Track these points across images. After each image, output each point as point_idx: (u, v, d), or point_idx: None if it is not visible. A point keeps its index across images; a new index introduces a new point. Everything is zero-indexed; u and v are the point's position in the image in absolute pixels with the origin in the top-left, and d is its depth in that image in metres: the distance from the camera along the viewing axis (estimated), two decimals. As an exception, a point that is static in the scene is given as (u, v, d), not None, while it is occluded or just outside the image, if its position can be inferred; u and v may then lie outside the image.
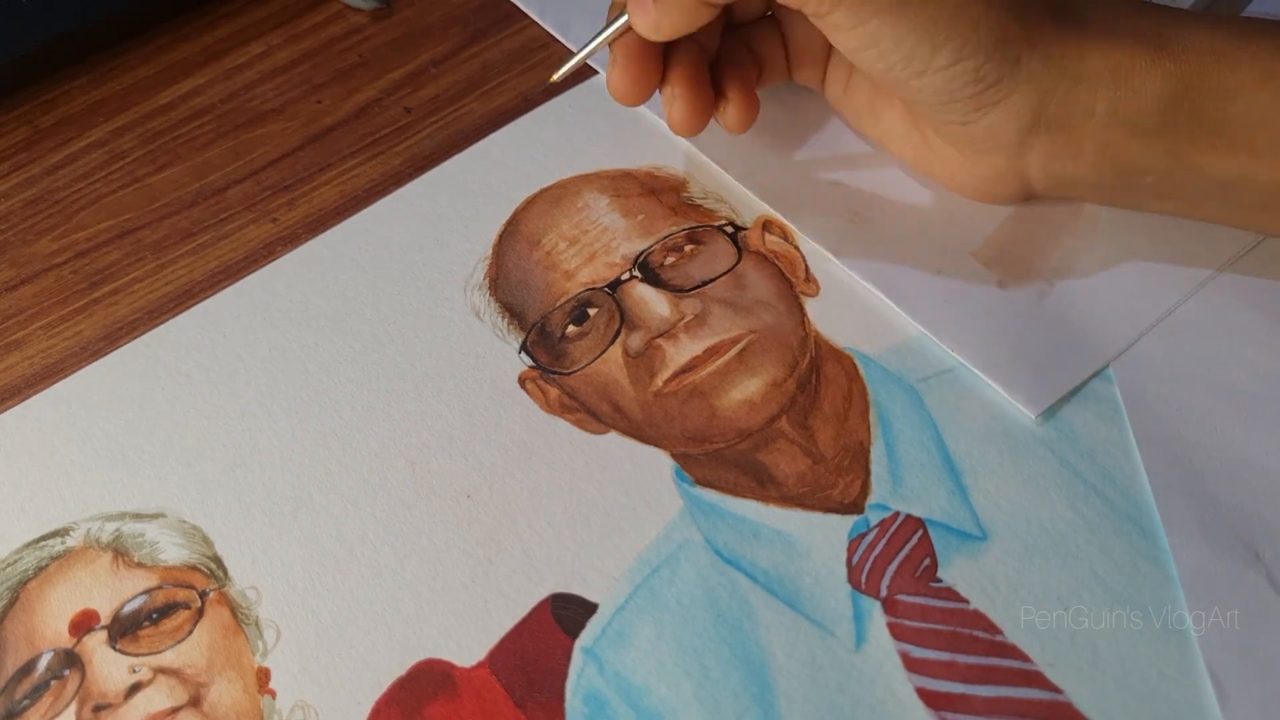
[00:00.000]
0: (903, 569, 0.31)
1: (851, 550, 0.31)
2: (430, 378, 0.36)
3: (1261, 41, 0.30)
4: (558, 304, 0.37)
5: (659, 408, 0.34)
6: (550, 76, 0.37)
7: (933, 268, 0.36)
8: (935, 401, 0.34)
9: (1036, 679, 0.29)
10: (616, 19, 0.35)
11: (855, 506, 0.32)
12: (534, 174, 0.40)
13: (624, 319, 0.36)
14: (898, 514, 0.32)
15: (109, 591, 0.32)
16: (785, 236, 0.38)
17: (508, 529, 0.32)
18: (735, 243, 0.38)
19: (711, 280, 0.37)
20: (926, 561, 0.31)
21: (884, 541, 0.31)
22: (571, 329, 0.36)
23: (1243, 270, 0.35)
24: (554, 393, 0.35)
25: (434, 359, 0.36)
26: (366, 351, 0.37)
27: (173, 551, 0.33)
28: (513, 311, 0.37)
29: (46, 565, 0.32)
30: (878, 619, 0.30)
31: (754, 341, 0.35)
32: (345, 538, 0.33)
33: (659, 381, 0.35)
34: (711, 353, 0.35)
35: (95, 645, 0.31)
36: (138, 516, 0.33)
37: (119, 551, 0.33)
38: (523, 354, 0.36)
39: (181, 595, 0.32)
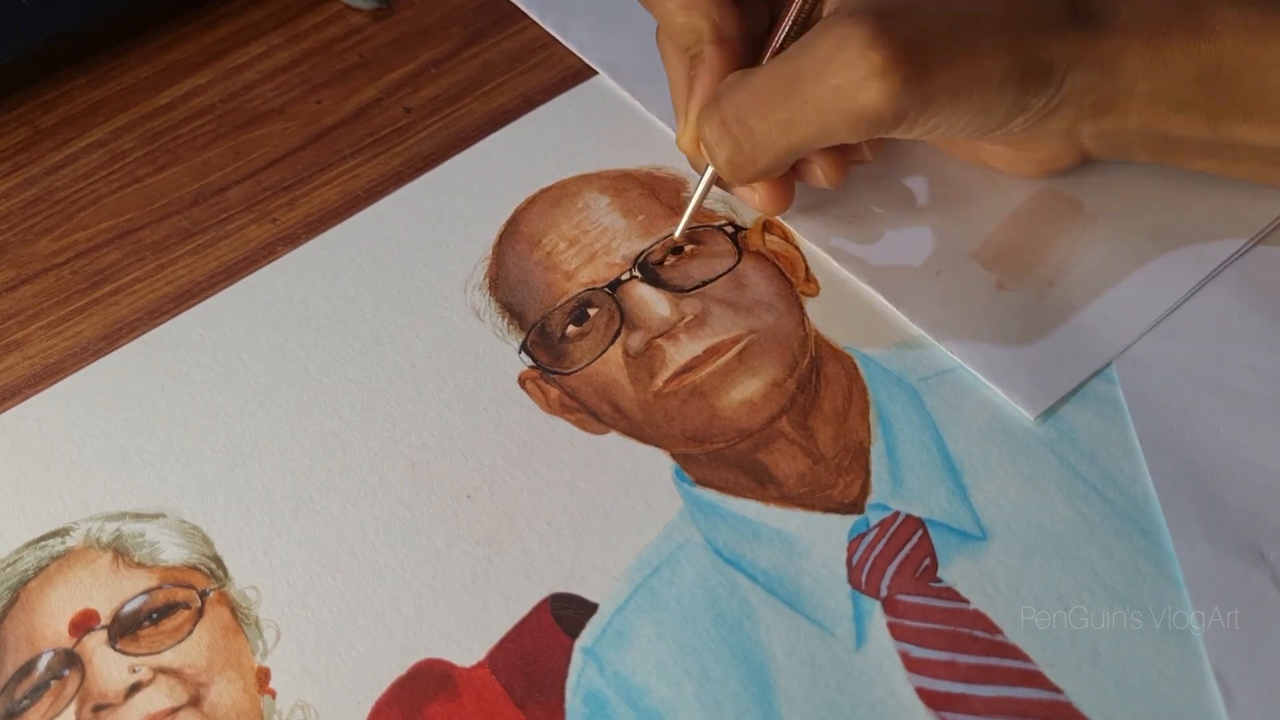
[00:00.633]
0: (903, 569, 0.31)
1: (851, 550, 0.31)
2: (430, 378, 0.36)
3: None
4: (558, 304, 0.37)
5: (659, 408, 0.34)
6: (673, 233, 0.38)
7: (932, 269, 0.36)
8: (935, 401, 0.34)
9: (1036, 679, 0.29)
10: (706, 169, 0.36)
11: (855, 506, 0.32)
12: (534, 174, 0.40)
13: (624, 319, 0.36)
14: (898, 514, 0.32)
15: (109, 591, 0.32)
16: (785, 236, 0.38)
17: (508, 529, 0.32)
18: (735, 243, 0.38)
19: (711, 280, 0.37)
20: (926, 561, 0.31)
21: (884, 541, 0.31)
22: (571, 329, 0.36)
23: (1244, 269, 0.35)
24: (554, 393, 0.35)
25: (434, 359, 0.36)
26: (366, 351, 0.37)
27: (173, 551, 0.33)
28: (513, 311, 0.37)
29: (46, 565, 0.32)
30: (878, 619, 0.30)
31: (754, 341, 0.35)
32: (345, 538, 0.33)
33: (659, 381, 0.35)
34: (711, 353, 0.35)
35: (95, 645, 0.31)
36: (138, 516, 0.33)
37: (119, 551, 0.33)
38: (523, 354, 0.36)
39: (181, 595, 0.32)
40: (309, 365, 0.36)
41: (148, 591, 0.32)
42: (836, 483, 0.32)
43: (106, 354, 0.37)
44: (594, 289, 0.37)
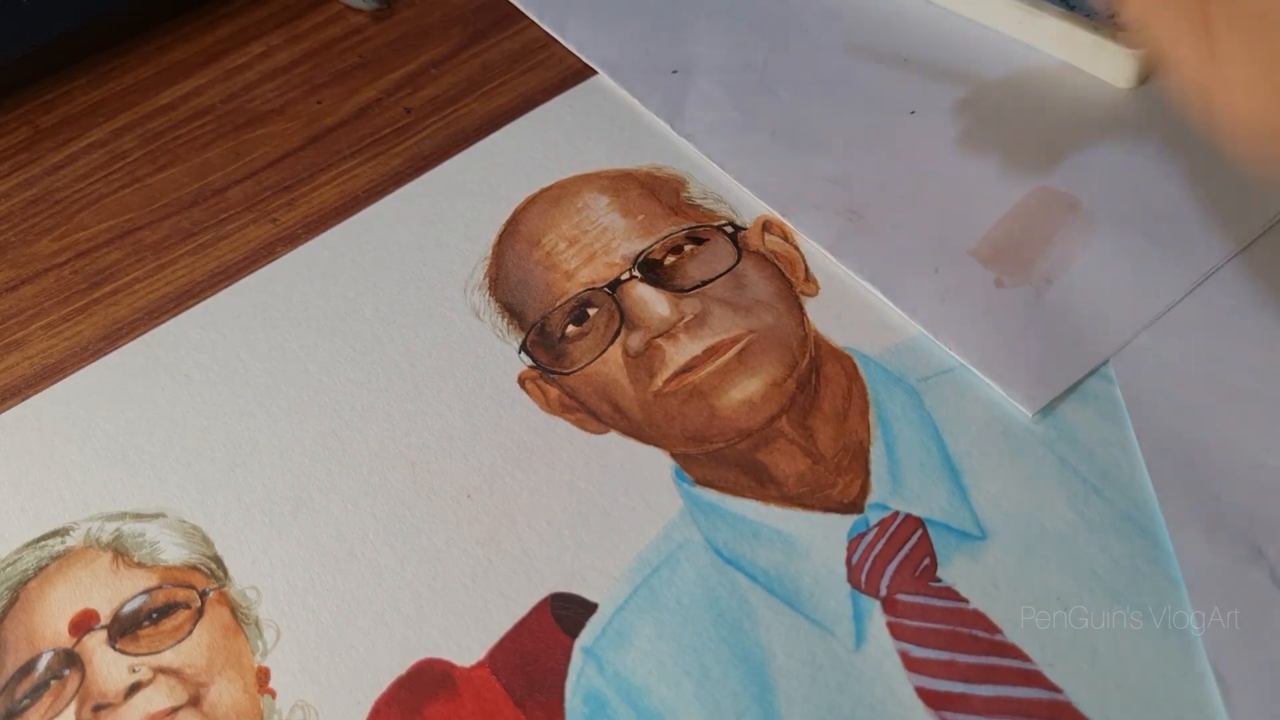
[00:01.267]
0: (902, 568, 0.31)
1: (851, 550, 0.31)
2: (430, 378, 0.36)
3: None
4: (558, 304, 0.37)
5: (659, 407, 0.34)
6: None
7: (930, 266, 0.36)
8: (935, 401, 0.34)
9: (1036, 678, 0.29)
10: None
11: (855, 506, 0.32)
12: (534, 174, 0.40)
13: (624, 319, 0.36)
14: (897, 513, 0.32)
15: (109, 591, 0.32)
16: (785, 236, 0.38)
17: (508, 529, 0.32)
18: (735, 243, 0.38)
19: (711, 280, 0.37)
20: (926, 561, 0.31)
21: (884, 541, 0.31)
22: (571, 329, 0.36)
23: (1242, 267, 0.35)
24: (554, 393, 0.35)
25: (434, 359, 0.36)
26: (366, 351, 0.37)
27: (173, 551, 0.33)
28: (513, 311, 0.37)
29: (46, 565, 0.32)
30: (877, 618, 0.30)
31: (754, 341, 0.35)
32: (345, 538, 0.33)
33: (659, 381, 0.35)
34: (711, 353, 0.35)
35: (95, 645, 0.31)
36: (138, 516, 0.33)
37: (119, 551, 0.33)
38: (523, 354, 0.36)
39: (181, 595, 0.32)
40: (309, 365, 0.36)
41: (148, 591, 0.32)
42: (836, 482, 0.32)
43: (106, 354, 0.37)
44: (594, 289, 0.37)
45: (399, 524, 0.33)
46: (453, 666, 0.30)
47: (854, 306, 0.36)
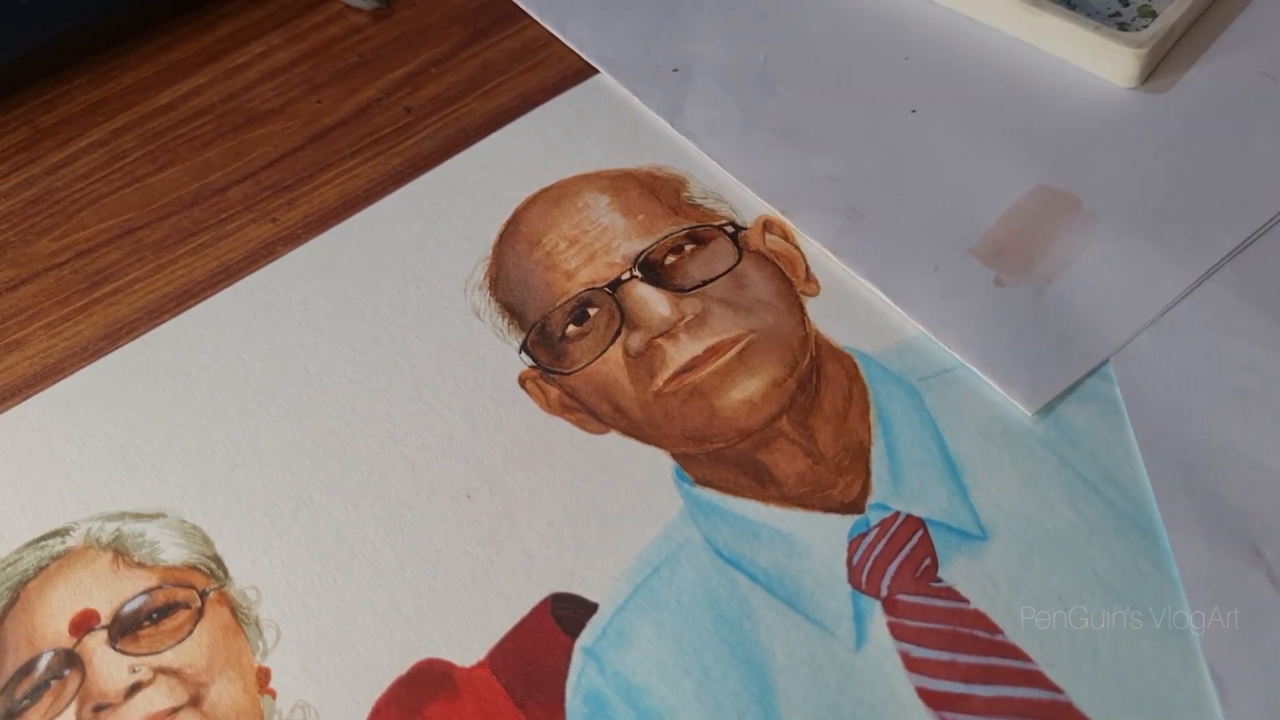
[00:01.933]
0: (903, 569, 0.31)
1: (852, 550, 0.31)
2: (430, 378, 0.36)
3: None
4: (558, 304, 0.37)
5: (659, 407, 0.34)
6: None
7: (931, 264, 0.36)
8: (936, 401, 0.34)
9: (1037, 679, 0.29)
10: None
11: (855, 506, 0.32)
12: (534, 174, 0.40)
13: (624, 319, 0.36)
14: (898, 514, 0.32)
15: (109, 591, 0.32)
16: (785, 236, 0.38)
17: (508, 529, 0.32)
18: (735, 242, 0.38)
19: (712, 280, 0.37)
20: (927, 561, 0.31)
21: (884, 541, 0.31)
22: (572, 329, 0.36)
23: (1242, 266, 0.35)
24: (554, 392, 0.35)
25: (434, 359, 0.36)
26: (366, 351, 0.37)
27: (173, 551, 0.33)
28: (513, 311, 0.37)
29: (46, 565, 0.32)
30: (878, 619, 0.30)
31: (754, 341, 0.35)
32: (345, 538, 0.33)
33: (659, 381, 0.35)
34: (712, 352, 0.35)
35: (95, 645, 0.31)
36: (138, 516, 0.33)
37: (119, 551, 0.33)
38: (523, 354, 0.36)
39: (181, 595, 0.32)
40: (309, 365, 0.36)
41: (148, 591, 0.32)
42: (836, 482, 0.32)
43: (106, 354, 0.37)
44: (594, 289, 0.37)
45: (399, 524, 0.33)
46: (453, 666, 0.30)
47: (855, 306, 0.36)
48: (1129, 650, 0.29)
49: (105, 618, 0.31)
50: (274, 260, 0.39)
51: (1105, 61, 0.40)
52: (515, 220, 0.39)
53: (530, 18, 0.46)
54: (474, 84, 0.44)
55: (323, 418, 0.35)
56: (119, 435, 0.35)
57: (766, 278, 0.37)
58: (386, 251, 0.39)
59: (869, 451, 0.33)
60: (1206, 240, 0.36)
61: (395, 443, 0.34)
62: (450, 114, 0.43)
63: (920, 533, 0.31)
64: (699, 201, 0.39)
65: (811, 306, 0.36)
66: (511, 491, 0.33)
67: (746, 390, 0.34)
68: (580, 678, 0.30)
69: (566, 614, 0.31)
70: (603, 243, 0.38)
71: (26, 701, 0.30)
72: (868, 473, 0.32)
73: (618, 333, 0.36)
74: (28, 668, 0.31)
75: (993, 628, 0.29)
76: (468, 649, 0.30)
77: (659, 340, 0.35)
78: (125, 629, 0.31)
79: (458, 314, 0.37)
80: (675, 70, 0.43)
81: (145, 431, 0.35)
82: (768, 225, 0.38)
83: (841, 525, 0.32)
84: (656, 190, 0.39)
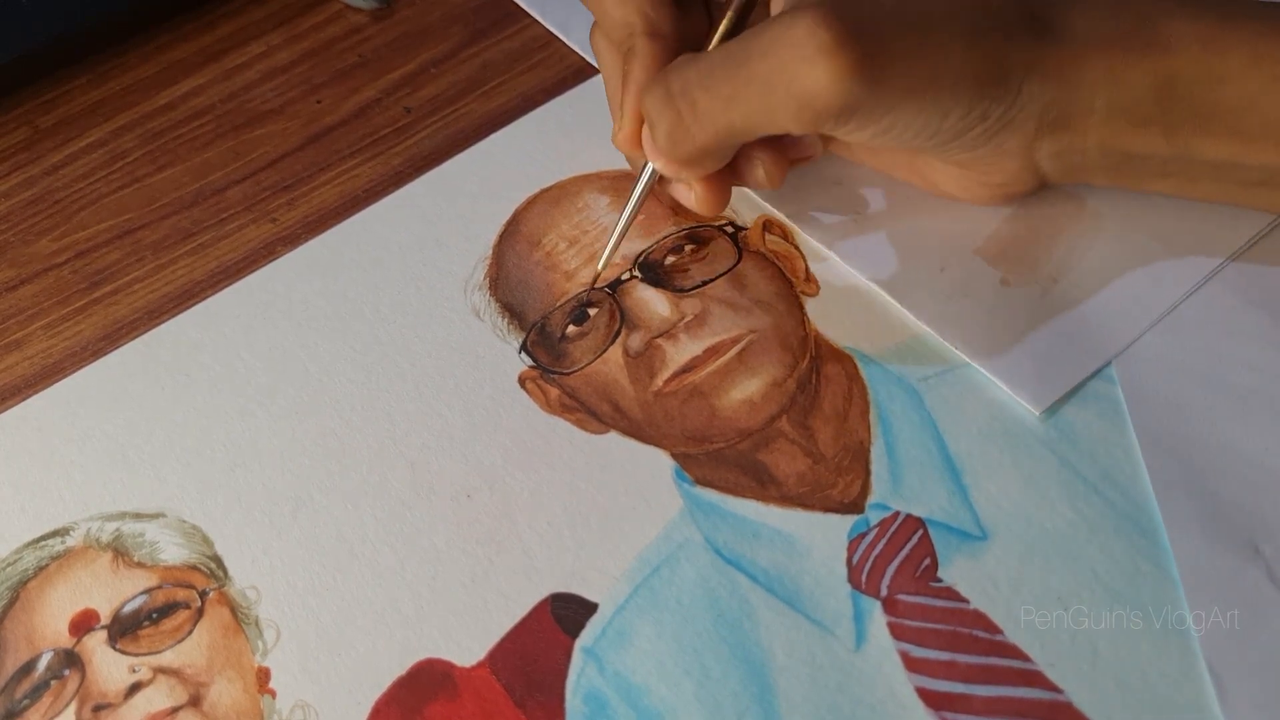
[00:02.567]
0: (903, 569, 0.31)
1: (851, 550, 0.31)
2: (430, 378, 0.36)
3: (1248, 24, 0.31)
4: (558, 304, 0.37)
5: (659, 407, 0.34)
6: (598, 267, 0.37)
7: (936, 265, 0.36)
8: (935, 401, 0.34)
9: (1036, 679, 0.29)
10: (644, 169, 0.35)
11: (855, 506, 0.32)
12: (534, 174, 0.40)
13: (624, 319, 0.36)
14: (898, 514, 0.32)
15: (109, 591, 0.32)
16: (785, 236, 0.38)
17: (508, 529, 0.32)
18: (735, 243, 0.38)
19: (712, 280, 0.37)
20: (927, 561, 0.31)
21: (884, 541, 0.31)
22: (571, 329, 0.36)
23: (1245, 266, 0.35)
24: (554, 392, 0.35)
25: (434, 359, 0.36)
26: (366, 351, 0.37)
27: (173, 551, 0.33)
28: (513, 311, 0.37)
29: (46, 565, 0.32)
30: (878, 619, 0.30)
31: (754, 341, 0.35)
32: (345, 538, 0.33)
33: (659, 381, 0.35)
34: (711, 353, 0.35)
35: (95, 645, 0.31)
36: (138, 516, 0.33)
37: (119, 551, 0.33)
38: (523, 354, 0.36)
39: (181, 595, 0.32)
40: (309, 365, 0.36)
41: (148, 591, 0.32)
42: (836, 482, 0.32)
43: (106, 354, 0.37)
44: (594, 289, 0.37)
45: (399, 524, 0.33)
46: (453, 666, 0.30)
47: (855, 306, 0.36)
48: (1129, 650, 0.29)
49: (105, 617, 0.31)
50: (274, 260, 0.39)
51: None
52: (515, 220, 0.39)
53: (530, 17, 0.46)
54: (474, 84, 0.44)
55: (323, 418, 0.35)
56: (119, 435, 0.35)
57: (766, 278, 0.37)
58: (386, 251, 0.39)
59: (869, 451, 0.33)
60: (1211, 239, 0.36)
61: (395, 443, 0.34)
62: (450, 114, 0.43)
63: (920, 532, 0.31)
64: (699, 201, 0.39)
65: (811, 307, 0.36)
66: (511, 491, 0.33)
67: (746, 390, 0.34)
68: (580, 677, 0.30)
69: (566, 614, 0.31)
70: (602, 243, 0.38)
71: (26, 701, 0.30)
72: (867, 473, 0.32)
73: (617, 333, 0.36)
74: (27, 667, 0.31)
75: (992, 628, 0.29)
76: (468, 649, 0.30)
77: (659, 340, 0.35)
78: (125, 629, 0.31)
79: (458, 314, 0.37)
80: (675, 70, 0.43)
81: (145, 431, 0.35)
82: (767, 225, 0.38)
83: (841, 525, 0.32)
84: (656, 190, 0.39)
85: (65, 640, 0.31)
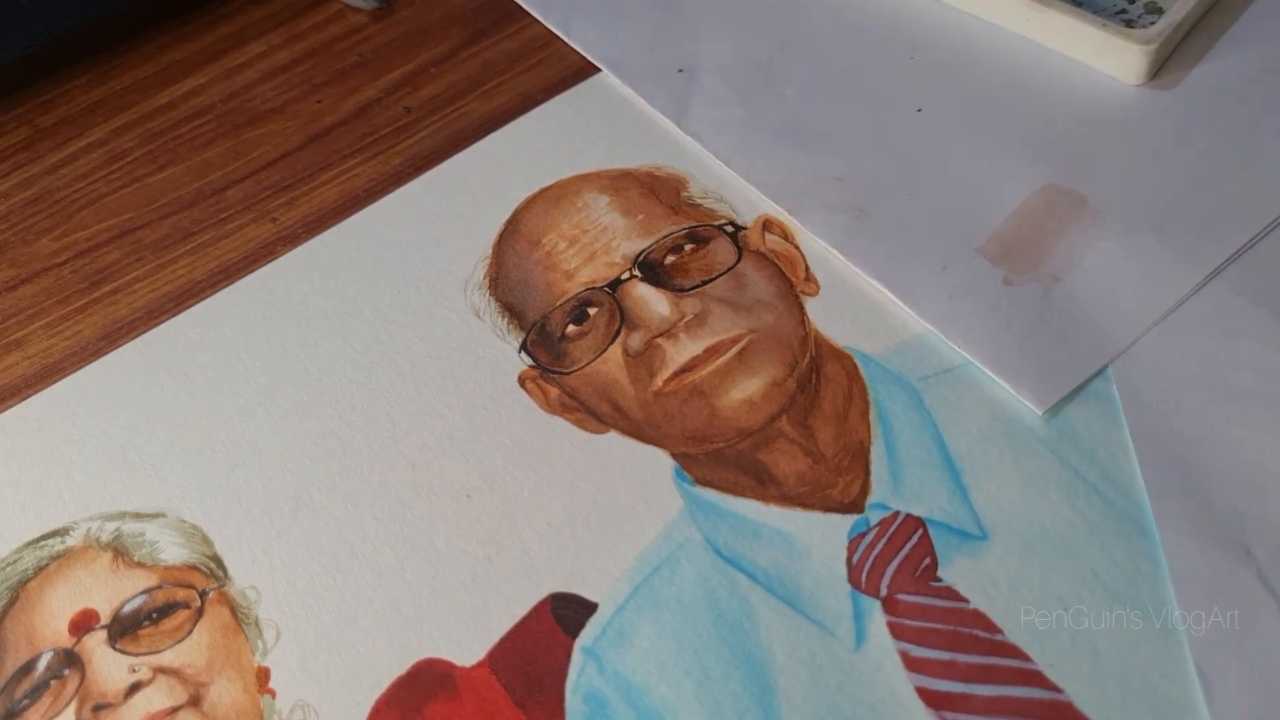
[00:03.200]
0: (903, 568, 0.31)
1: (851, 549, 0.31)
2: (430, 378, 0.36)
3: None
4: (558, 303, 0.37)
5: (659, 407, 0.34)
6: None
7: (938, 264, 0.36)
8: (935, 401, 0.34)
9: (1036, 678, 0.29)
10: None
11: (855, 506, 0.32)
12: (534, 173, 0.40)
13: (624, 318, 0.36)
14: (898, 513, 0.32)
15: (109, 591, 0.32)
16: (785, 236, 0.38)
17: (508, 529, 0.32)
18: (735, 242, 0.38)
19: (712, 279, 0.37)
20: (926, 561, 0.31)
21: (884, 541, 0.31)
22: (571, 328, 0.36)
23: (1245, 265, 0.35)
24: (554, 392, 0.35)
25: (434, 359, 0.36)
26: (366, 351, 0.36)
27: (172, 551, 0.33)
28: (513, 311, 0.37)
29: (46, 565, 0.32)
30: (878, 618, 0.30)
31: (754, 341, 0.35)
32: (345, 538, 0.33)
33: (659, 381, 0.35)
34: (711, 352, 0.35)
35: (95, 645, 0.31)
36: (137, 516, 0.33)
37: (119, 551, 0.33)
38: (523, 353, 0.36)
39: (181, 595, 0.32)
40: (309, 365, 0.36)
41: (147, 591, 0.32)
42: (836, 482, 0.32)
43: (106, 354, 0.37)
44: (594, 288, 0.37)
45: (399, 524, 0.33)
46: (453, 666, 0.30)
47: (854, 306, 0.36)
48: (1129, 650, 0.29)
49: (105, 617, 0.31)
50: (274, 260, 0.39)
51: (1111, 58, 0.40)
52: (515, 220, 0.39)
53: (530, 17, 0.46)
54: (474, 84, 0.44)
55: (323, 418, 0.35)
56: (119, 435, 0.35)
57: (766, 277, 0.37)
58: (386, 251, 0.39)
59: (869, 451, 0.33)
60: (1213, 237, 0.36)
61: (395, 442, 0.34)
62: (450, 114, 0.43)
63: (920, 532, 0.31)
64: (699, 201, 0.39)
65: (811, 306, 0.36)
66: (511, 491, 0.33)
67: (746, 390, 0.34)
68: (580, 677, 0.30)
69: (566, 613, 0.31)
70: (602, 242, 0.38)
71: (26, 701, 0.30)
72: (867, 472, 0.32)
73: (617, 332, 0.36)
74: (27, 667, 0.31)
75: (992, 627, 0.29)
76: (467, 649, 0.30)
77: (659, 340, 0.35)
78: (125, 628, 0.31)
79: (458, 314, 0.37)
80: (680, 71, 0.43)
81: (145, 431, 0.35)
82: (767, 225, 0.38)
83: (841, 525, 0.32)
84: (656, 190, 0.39)
85: (65, 640, 0.31)
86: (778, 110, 0.41)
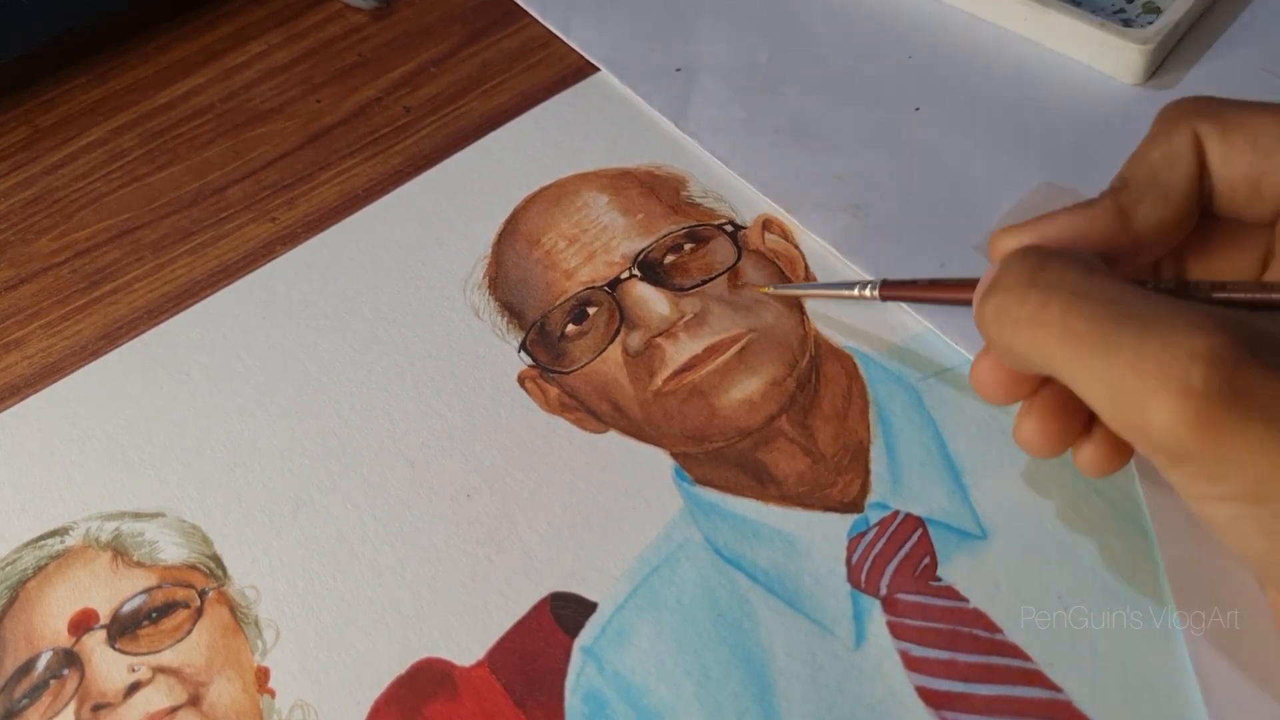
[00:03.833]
0: (902, 568, 0.31)
1: (851, 549, 0.31)
2: (430, 377, 0.36)
3: None
4: (557, 303, 0.37)
5: (659, 407, 0.34)
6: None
7: (937, 262, 0.36)
8: (935, 400, 0.34)
9: (1036, 678, 0.29)
10: (863, 286, 0.32)
11: (855, 505, 0.32)
12: (533, 173, 0.40)
13: (623, 318, 0.36)
14: (897, 513, 0.32)
15: (108, 590, 0.32)
16: (785, 235, 0.38)
17: (508, 529, 0.32)
18: (735, 241, 0.38)
19: (711, 279, 0.37)
20: (926, 560, 0.31)
21: (884, 540, 0.31)
22: (571, 328, 0.36)
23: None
24: (554, 392, 0.35)
25: (434, 358, 0.36)
26: (366, 351, 0.36)
27: (172, 550, 0.33)
28: (512, 310, 0.37)
29: (46, 564, 0.32)
30: (877, 618, 0.30)
31: (754, 340, 0.35)
32: (345, 538, 0.33)
33: (659, 380, 0.35)
34: (711, 351, 0.35)
35: (94, 644, 0.31)
36: (137, 516, 0.33)
37: (118, 551, 0.33)
38: (522, 353, 0.36)
39: (181, 594, 0.32)
40: (309, 365, 0.36)
41: (147, 591, 0.32)
42: (836, 482, 0.32)
43: (106, 353, 0.37)
44: (593, 288, 0.37)
45: (399, 524, 0.33)
46: (452, 666, 0.30)
47: (854, 305, 0.36)
48: (1128, 650, 0.29)
49: (104, 617, 0.31)
50: (273, 259, 0.39)
51: (1110, 58, 0.40)
52: (514, 219, 0.39)
53: (530, 17, 0.46)
54: (473, 83, 0.44)
55: (322, 417, 0.35)
56: (119, 435, 0.35)
57: (766, 277, 0.37)
58: (386, 251, 0.39)
59: (868, 451, 0.33)
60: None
61: (395, 442, 0.34)
62: (450, 113, 0.43)
63: (919, 532, 0.31)
64: (698, 200, 0.39)
65: (811, 306, 0.36)
66: (511, 491, 0.33)
67: (746, 389, 0.34)
68: (580, 677, 0.30)
69: (566, 613, 0.31)
70: (602, 242, 0.38)
71: (25, 701, 0.30)
72: (867, 472, 0.32)
73: (617, 332, 0.36)
74: (27, 667, 0.31)
75: (992, 627, 0.29)
76: (467, 648, 0.30)
77: (658, 339, 0.35)
78: (124, 628, 0.31)
79: (457, 313, 0.37)
80: (678, 70, 0.43)
81: (145, 431, 0.35)
82: (767, 224, 0.38)
83: (841, 524, 0.32)
84: (656, 189, 0.39)
85: (64, 640, 0.31)
86: (777, 109, 0.41)
